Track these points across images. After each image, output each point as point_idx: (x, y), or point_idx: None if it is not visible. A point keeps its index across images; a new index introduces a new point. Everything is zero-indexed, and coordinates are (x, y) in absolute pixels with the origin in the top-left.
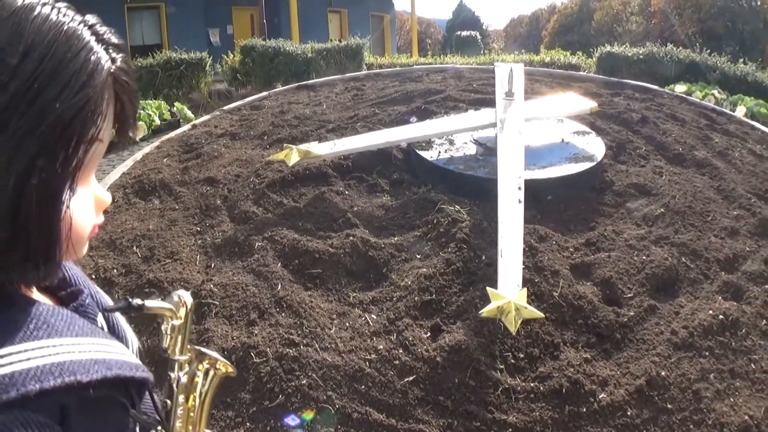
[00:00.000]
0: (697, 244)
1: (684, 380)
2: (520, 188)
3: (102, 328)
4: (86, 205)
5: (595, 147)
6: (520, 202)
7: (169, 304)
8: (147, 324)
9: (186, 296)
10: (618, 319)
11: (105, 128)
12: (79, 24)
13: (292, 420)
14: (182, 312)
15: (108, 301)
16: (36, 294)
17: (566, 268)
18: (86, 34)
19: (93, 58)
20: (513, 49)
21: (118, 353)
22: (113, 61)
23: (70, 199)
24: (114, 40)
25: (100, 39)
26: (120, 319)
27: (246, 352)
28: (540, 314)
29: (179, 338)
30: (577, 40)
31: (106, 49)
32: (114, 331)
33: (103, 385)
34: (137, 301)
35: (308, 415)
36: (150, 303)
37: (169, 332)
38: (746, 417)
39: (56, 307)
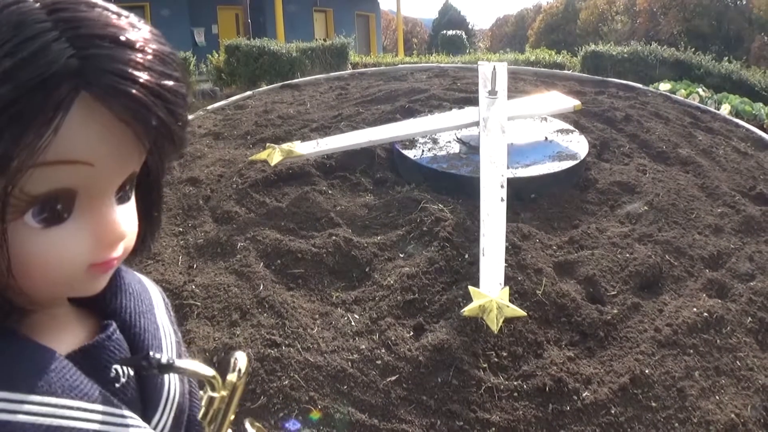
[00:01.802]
0: (681, 241)
1: (668, 378)
2: (502, 186)
3: (116, 381)
4: (65, 241)
5: (579, 145)
6: (502, 200)
7: (210, 369)
8: None
9: (242, 360)
10: (601, 317)
11: (71, 144)
12: (35, 3)
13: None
14: (231, 380)
15: (164, 344)
16: (65, 312)
17: (549, 266)
18: (37, 16)
19: (33, 47)
20: (499, 48)
21: (100, 423)
22: (81, 56)
23: (5, 232)
24: (97, 30)
25: (63, 24)
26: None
27: (228, 353)
28: (522, 312)
29: (220, 416)
30: (562, 40)
31: (72, 39)
32: (147, 386)
33: None
34: (158, 357)
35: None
36: (183, 363)
37: (206, 404)
38: (732, 415)
39: (37, 349)
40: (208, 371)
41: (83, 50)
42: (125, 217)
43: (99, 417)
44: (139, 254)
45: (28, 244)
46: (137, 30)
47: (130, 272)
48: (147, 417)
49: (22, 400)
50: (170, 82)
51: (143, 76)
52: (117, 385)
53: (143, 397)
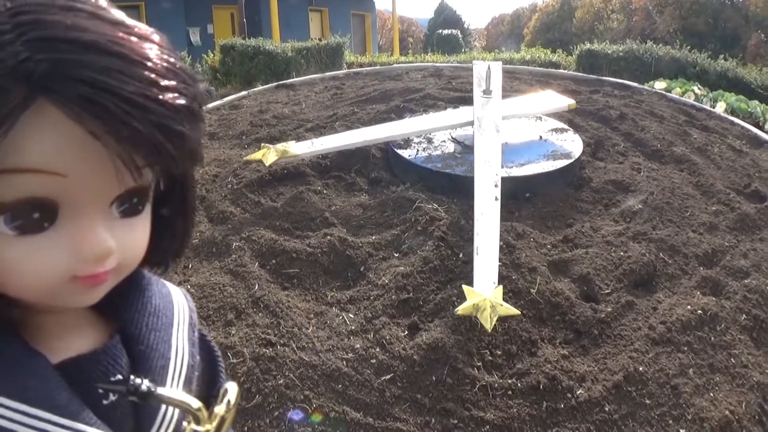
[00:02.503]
0: (675, 239)
1: (662, 375)
2: (496, 185)
3: (105, 397)
4: (42, 251)
5: (573, 144)
6: (496, 199)
7: (195, 401)
8: None
9: (231, 391)
10: (595, 315)
11: (30, 152)
12: (1, 8)
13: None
14: (219, 412)
15: (172, 365)
16: (77, 317)
17: (543, 265)
18: None
19: None
20: (494, 47)
21: None
22: (36, 59)
23: None
24: (59, 33)
25: (22, 28)
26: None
27: (223, 352)
28: (516, 311)
29: None
30: (558, 38)
31: (29, 42)
32: (141, 407)
33: None
34: (138, 383)
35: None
36: (167, 392)
37: None
38: (727, 412)
39: (24, 352)
40: (194, 403)
41: (40, 54)
42: (122, 232)
43: (54, 428)
44: (157, 267)
45: (2, 250)
46: (124, 36)
47: (160, 284)
48: None
49: None
50: (157, 92)
51: (109, 82)
52: (105, 402)
53: (138, 418)
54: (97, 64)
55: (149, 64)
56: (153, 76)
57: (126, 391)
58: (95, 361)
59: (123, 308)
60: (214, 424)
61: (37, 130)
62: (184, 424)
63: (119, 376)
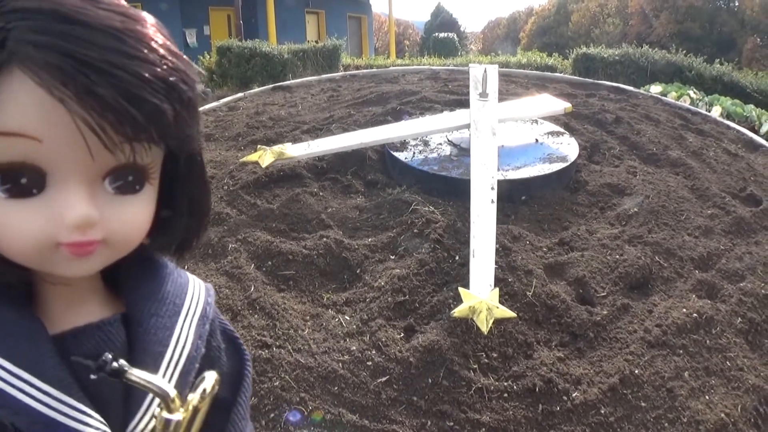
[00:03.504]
0: (671, 243)
1: (658, 378)
2: (493, 188)
3: (92, 374)
4: (26, 214)
5: (569, 147)
6: (492, 202)
7: (168, 387)
8: None
9: (209, 379)
10: (591, 318)
11: (6, 116)
12: None
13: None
14: (192, 401)
15: (170, 353)
16: (90, 289)
17: (540, 268)
18: None
19: None
20: (491, 50)
21: (44, 405)
22: (7, 28)
23: None
24: (29, 4)
25: None
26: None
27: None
28: (512, 314)
29: None
30: (554, 42)
31: (2, 15)
32: (132, 388)
33: None
34: (109, 359)
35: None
36: (137, 374)
37: (161, 428)
38: (722, 415)
39: (21, 316)
40: (165, 388)
41: (12, 23)
42: (113, 207)
43: (46, 399)
44: (163, 253)
45: None
46: (92, 7)
47: (180, 273)
48: (125, 421)
49: None
50: (124, 60)
51: (72, 48)
52: (93, 377)
53: (127, 401)
54: (61, 31)
55: (117, 33)
56: (119, 44)
57: (95, 367)
58: (87, 335)
59: (130, 289)
60: (188, 413)
61: (11, 96)
62: (157, 410)
63: (108, 354)
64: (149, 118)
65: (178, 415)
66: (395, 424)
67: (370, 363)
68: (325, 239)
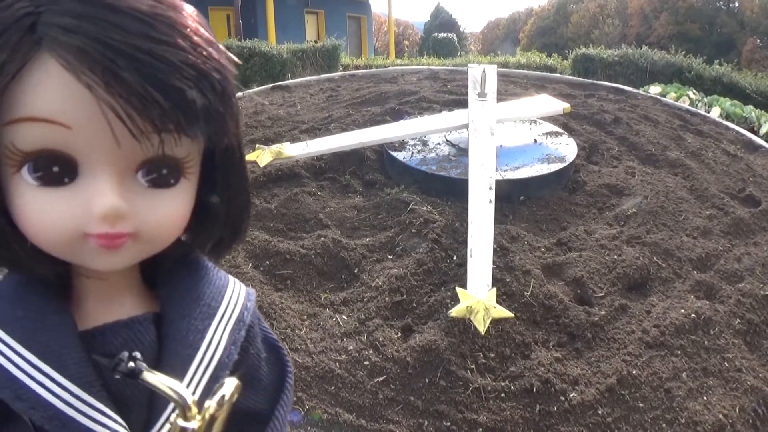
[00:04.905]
0: (669, 243)
1: (656, 379)
2: (491, 188)
3: (115, 373)
4: (57, 202)
5: (568, 148)
6: (490, 202)
7: (185, 392)
8: None
9: (229, 385)
10: (589, 319)
11: (37, 102)
12: None
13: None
14: (210, 408)
15: (200, 356)
16: (126, 285)
17: (537, 268)
18: None
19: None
20: (490, 51)
21: (61, 400)
22: (37, 12)
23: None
24: None
25: None
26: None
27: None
28: (509, 314)
29: None
30: (554, 43)
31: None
32: (155, 394)
33: None
34: (126, 358)
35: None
36: (153, 378)
37: None
38: (720, 416)
39: (51, 311)
40: (183, 393)
41: (40, 7)
42: (145, 200)
43: (65, 395)
44: (198, 250)
45: (24, 198)
46: None
47: (220, 274)
48: (148, 424)
49: (4, 341)
50: (151, 45)
51: (98, 32)
52: (117, 376)
53: (151, 404)
54: (89, 15)
55: (146, 18)
56: (147, 29)
57: (112, 367)
58: (115, 332)
59: (165, 288)
60: (203, 421)
61: (42, 82)
62: (173, 416)
63: (137, 353)
64: (176, 104)
65: (194, 423)
66: (392, 424)
67: (367, 363)
68: (323, 239)
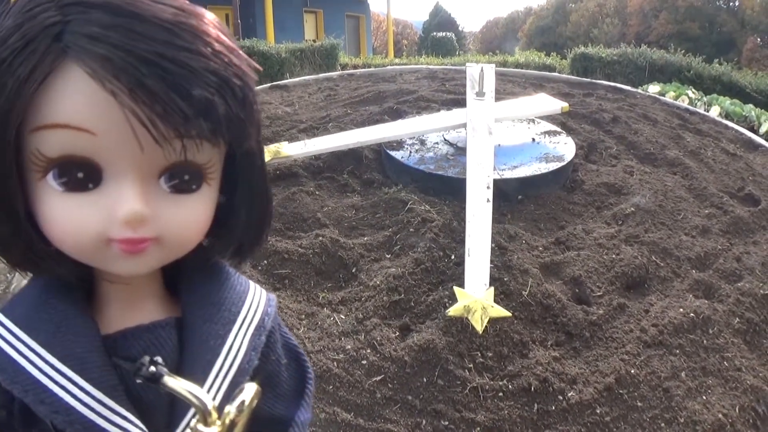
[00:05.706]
0: (668, 242)
1: (654, 378)
2: (488, 187)
3: (137, 377)
4: (81, 208)
5: (566, 147)
6: (488, 201)
7: (206, 397)
8: None
9: (248, 391)
10: (587, 318)
11: (61, 109)
12: None
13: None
14: (229, 413)
15: (220, 361)
16: (150, 290)
17: (535, 267)
18: None
19: (27, 16)
20: (489, 50)
21: (81, 403)
22: (64, 21)
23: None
24: None
25: None
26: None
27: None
28: (507, 313)
29: None
30: (553, 42)
31: (60, 7)
32: (176, 399)
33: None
34: (147, 363)
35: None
36: (174, 382)
37: None
38: (720, 415)
39: (74, 315)
40: (203, 399)
41: (69, 16)
42: (167, 206)
43: (87, 399)
44: (219, 256)
45: (49, 203)
46: (151, 2)
47: (240, 279)
48: (169, 428)
49: (28, 344)
50: (174, 52)
51: (121, 40)
52: (138, 381)
53: (172, 408)
54: (114, 24)
55: (169, 26)
56: (170, 37)
57: (133, 371)
58: (137, 337)
59: (187, 292)
60: (223, 426)
61: (67, 89)
62: (193, 421)
63: (146, 358)
64: (198, 110)
65: (214, 429)
66: (390, 423)
67: (365, 362)
68: (320, 238)
